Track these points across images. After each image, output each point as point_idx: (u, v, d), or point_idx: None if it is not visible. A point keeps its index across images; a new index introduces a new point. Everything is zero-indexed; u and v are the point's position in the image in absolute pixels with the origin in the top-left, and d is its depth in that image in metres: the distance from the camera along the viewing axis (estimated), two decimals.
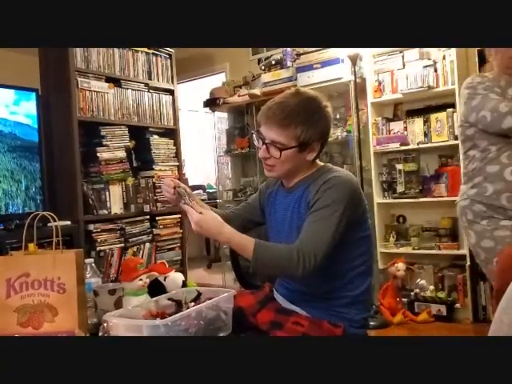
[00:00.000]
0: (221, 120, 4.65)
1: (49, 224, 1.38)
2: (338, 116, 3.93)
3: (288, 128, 1.36)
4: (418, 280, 3.44)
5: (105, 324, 1.22)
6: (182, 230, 3.88)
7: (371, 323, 3.15)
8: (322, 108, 1.41)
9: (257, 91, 4.05)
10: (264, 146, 1.41)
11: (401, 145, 3.51)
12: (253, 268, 1.31)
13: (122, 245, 3.40)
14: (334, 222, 1.31)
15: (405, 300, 3.41)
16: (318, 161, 1.51)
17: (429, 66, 3.37)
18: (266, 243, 1.35)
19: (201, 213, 1.34)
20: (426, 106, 3.54)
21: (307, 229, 1.33)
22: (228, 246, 1.38)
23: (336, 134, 3.82)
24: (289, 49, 3.96)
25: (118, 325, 1.20)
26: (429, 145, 3.44)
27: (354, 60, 3.43)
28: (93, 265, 1.65)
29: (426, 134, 3.46)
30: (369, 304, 1.51)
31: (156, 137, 3.77)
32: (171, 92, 3.92)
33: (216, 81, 4.79)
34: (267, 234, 1.60)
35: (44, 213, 1.39)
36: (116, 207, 3.39)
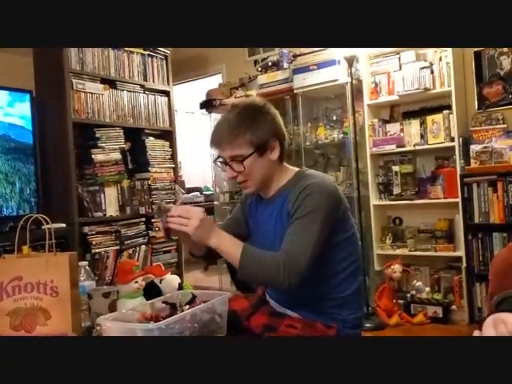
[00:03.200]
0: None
1: (43, 226, 1.37)
2: (334, 118, 3.93)
3: (237, 138, 1.37)
4: (414, 282, 3.44)
5: (98, 327, 1.21)
6: None
7: (367, 325, 3.15)
8: (262, 107, 1.44)
9: (253, 93, 4.05)
10: (227, 166, 1.42)
11: (397, 146, 3.51)
12: (239, 274, 1.31)
13: (118, 247, 3.38)
14: (316, 230, 1.31)
15: (401, 302, 3.41)
16: (288, 165, 1.51)
17: (425, 67, 3.37)
18: (253, 251, 1.32)
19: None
20: (422, 108, 3.55)
21: (290, 239, 1.32)
22: (217, 250, 1.35)
23: (332, 135, 3.82)
24: (285, 50, 3.96)
25: (112, 328, 1.19)
26: (425, 146, 3.44)
27: (351, 62, 3.43)
28: (87, 267, 1.64)
29: (422, 136, 3.46)
30: (361, 304, 1.51)
31: (152, 138, 3.76)
32: (167, 93, 3.91)
33: (212, 82, 4.78)
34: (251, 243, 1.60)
35: (37, 215, 1.38)
36: (111, 209, 3.38)
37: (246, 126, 1.38)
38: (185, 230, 1.28)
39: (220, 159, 1.45)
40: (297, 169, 1.50)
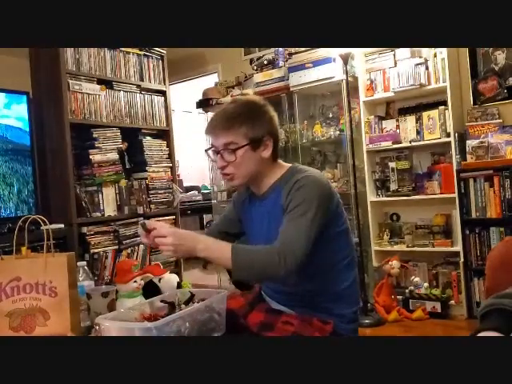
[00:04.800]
0: None
1: (41, 227, 1.37)
2: (330, 115, 3.94)
3: (233, 128, 1.39)
4: (413, 277, 3.45)
5: (97, 327, 1.22)
6: None
7: (366, 321, 3.17)
8: (261, 106, 1.46)
9: (249, 91, 4.05)
10: (219, 155, 1.42)
11: (393, 143, 3.52)
12: (235, 275, 1.29)
13: (116, 247, 3.38)
14: (309, 219, 1.31)
15: (399, 297, 3.42)
16: (282, 162, 1.51)
17: (420, 64, 3.37)
18: (243, 248, 1.32)
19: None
20: (417, 104, 3.55)
21: (284, 229, 1.32)
22: (207, 259, 1.33)
23: (329, 133, 3.83)
24: (281, 49, 3.96)
25: (110, 327, 1.19)
26: (421, 142, 3.45)
27: (346, 59, 3.44)
28: (85, 268, 1.64)
29: (418, 132, 3.47)
30: (356, 298, 1.51)
31: (149, 138, 3.76)
32: (163, 93, 3.91)
33: (209, 81, 4.78)
34: (247, 241, 1.59)
35: (34, 216, 1.38)
36: (109, 209, 3.38)
37: (242, 118, 1.39)
38: (164, 249, 1.29)
39: (212, 148, 1.45)
40: (289, 165, 1.50)
